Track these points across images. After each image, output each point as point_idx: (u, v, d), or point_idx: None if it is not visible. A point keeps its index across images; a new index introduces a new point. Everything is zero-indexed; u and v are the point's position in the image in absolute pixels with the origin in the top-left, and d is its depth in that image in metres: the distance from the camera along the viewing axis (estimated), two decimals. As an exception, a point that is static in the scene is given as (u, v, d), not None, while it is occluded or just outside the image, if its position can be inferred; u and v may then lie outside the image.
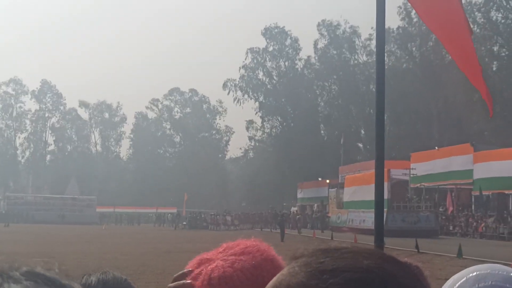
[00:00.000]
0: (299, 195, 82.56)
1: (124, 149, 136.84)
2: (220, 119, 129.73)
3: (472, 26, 4.75)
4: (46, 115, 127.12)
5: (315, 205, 73.37)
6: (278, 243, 35.05)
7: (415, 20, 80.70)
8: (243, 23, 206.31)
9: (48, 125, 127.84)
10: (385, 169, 4.59)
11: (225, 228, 66.38)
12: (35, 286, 0.73)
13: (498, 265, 1.18)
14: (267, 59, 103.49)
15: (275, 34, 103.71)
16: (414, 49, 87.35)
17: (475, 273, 1.16)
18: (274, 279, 0.93)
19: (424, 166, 54.61)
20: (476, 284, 1.12)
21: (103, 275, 1.75)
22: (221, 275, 1.36)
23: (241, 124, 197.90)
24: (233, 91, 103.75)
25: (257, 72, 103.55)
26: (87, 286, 1.68)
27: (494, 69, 74.81)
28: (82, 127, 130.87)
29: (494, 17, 75.35)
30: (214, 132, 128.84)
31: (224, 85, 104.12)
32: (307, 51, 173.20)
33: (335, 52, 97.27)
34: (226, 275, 1.36)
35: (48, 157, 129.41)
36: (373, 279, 0.84)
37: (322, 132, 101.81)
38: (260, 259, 1.41)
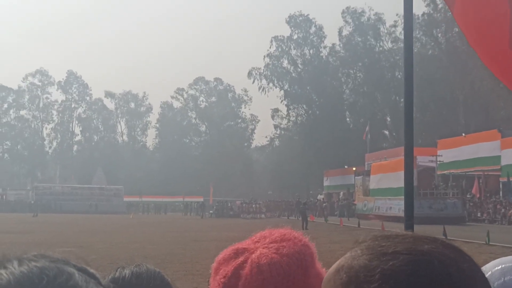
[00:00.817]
0: (325, 183, 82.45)
1: (150, 139, 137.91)
2: (245, 107, 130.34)
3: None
4: (73, 105, 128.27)
5: (341, 192, 73.26)
6: (300, 230, 34.94)
7: (440, 6, 79.96)
8: (268, 12, 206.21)
9: (75, 115, 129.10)
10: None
11: (253, 216, 66.55)
12: (53, 263, 0.75)
13: None
14: (292, 47, 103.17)
15: (299, 22, 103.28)
16: (439, 35, 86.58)
17: (500, 267, 1.15)
18: (337, 262, 0.97)
19: (451, 153, 54.24)
20: (502, 278, 1.13)
21: (136, 268, 1.76)
22: (270, 262, 1.41)
23: (266, 113, 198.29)
24: (258, 79, 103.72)
25: (281, 60, 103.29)
26: (121, 279, 1.71)
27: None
28: (108, 117, 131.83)
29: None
30: (239, 120, 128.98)
31: (249, 74, 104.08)
32: (331, 38, 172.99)
33: (360, 39, 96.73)
34: (274, 261, 1.41)
35: (75, 147, 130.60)
36: (433, 262, 0.87)
37: (347, 119, 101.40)
38: (300, 244, 1.48)
